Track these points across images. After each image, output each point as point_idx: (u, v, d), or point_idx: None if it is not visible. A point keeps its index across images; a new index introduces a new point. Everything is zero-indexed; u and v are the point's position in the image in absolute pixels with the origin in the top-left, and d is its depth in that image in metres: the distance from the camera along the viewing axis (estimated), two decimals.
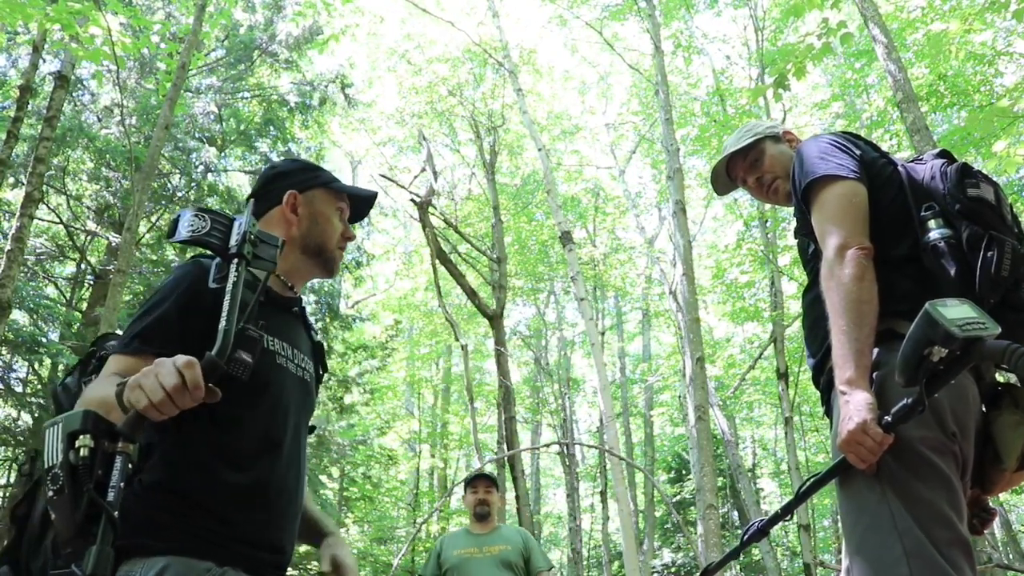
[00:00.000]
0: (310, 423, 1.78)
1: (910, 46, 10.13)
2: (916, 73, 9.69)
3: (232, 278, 1.29)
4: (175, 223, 1.38)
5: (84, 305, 10.40)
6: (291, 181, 1.75)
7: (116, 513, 1.05)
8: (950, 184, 1.71)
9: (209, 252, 1.39)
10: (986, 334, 1.36)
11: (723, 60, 14.15)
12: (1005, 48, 9.29)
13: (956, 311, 1.38)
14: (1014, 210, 1.79)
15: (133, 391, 1.14)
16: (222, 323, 1.23)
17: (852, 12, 7.89)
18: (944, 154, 1.88)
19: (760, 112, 11.58)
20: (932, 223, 1.70)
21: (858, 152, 1.83)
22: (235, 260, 1.33)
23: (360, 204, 1.86)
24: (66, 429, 1.08)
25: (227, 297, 1.26)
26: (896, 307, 1.65)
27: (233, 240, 1.35)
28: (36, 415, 8.78)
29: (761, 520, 1.84)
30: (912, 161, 1.90)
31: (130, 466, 1.10)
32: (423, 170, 12.64)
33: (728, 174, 2.24)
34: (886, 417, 1.52)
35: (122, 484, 1.07)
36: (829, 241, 1.70)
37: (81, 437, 1.07)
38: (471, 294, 11.60)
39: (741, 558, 19.06)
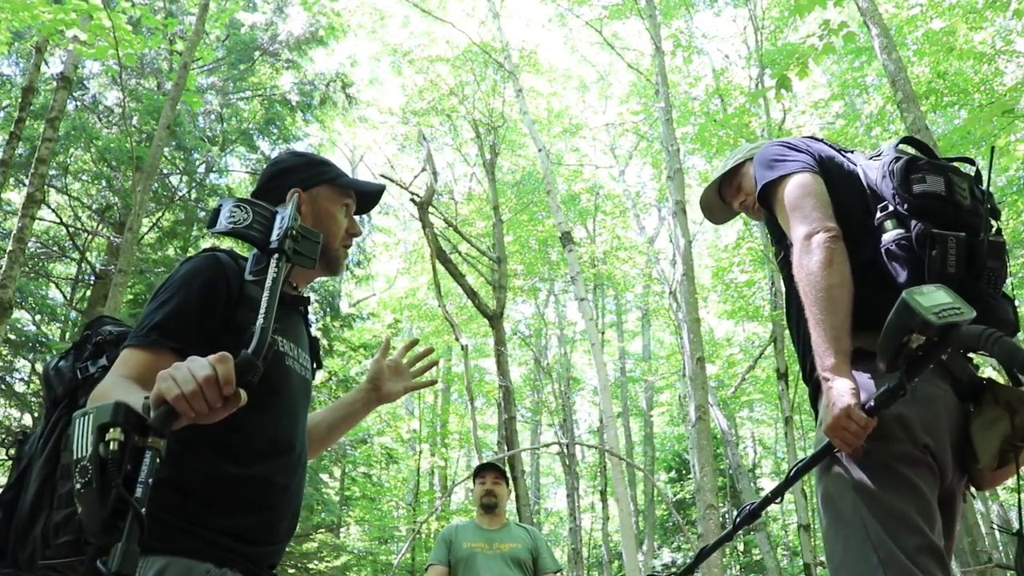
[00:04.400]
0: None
1: (910, 45, 10.13)
2: (916, 72, 9.69)
3: (272, 274, 1.25)
4: (216, 213, 1.34)
5: (85, 305, 10.42)
6: (296, 178, 1.68)
7: (144, 510, 1.03)
8: (895, 183, 1.70)
9: (224, 247, 1.36)
10: (961, 319, 1.37)
11: (722, 60, 14.18)
12: (1004, 47, 9.29)
13: (932, 298, 1.39)
14: (976, 191, 1.75)
15: (164, 381, 1.11)
16: (259, 321, 1.19)
17: (852, 10, 7.90)
18: (907, 140, 1.86)
19: (760, 112, 11.58)
20: (888, 224, 1.70)
21: (812, 149, 1.84)
22: (275, 255, 1.28)
23: (366, 198, 1.80)
24: (97, 421, 1.05)
25: (266, 294, 1.22)
26: (862, 319, 1.62)
27: (275, 235, 1.31)
28: (37, 415, 8.79)
29: (752, 504, 1.85)
30: (871, 158, 1.89)
31: (159, 461, 1.07)
32: (423, 169, 12.66)
33: (724, 199, 2.29)
34: (870, 402, 1.54)
35: (150, 480, 1.05)
36: (795, 232, 1.71)
37: (111, 430, 1.04)
38: (471, 294, 11.61)
39: (741, 558, 19.09)
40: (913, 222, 1.66)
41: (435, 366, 1.97)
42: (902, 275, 1.64)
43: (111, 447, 1.03)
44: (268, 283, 1.24)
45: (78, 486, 1.03)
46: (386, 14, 14.17)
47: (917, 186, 1.68)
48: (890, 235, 1.68)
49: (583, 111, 17.60)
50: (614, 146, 16.95)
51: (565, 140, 17.07)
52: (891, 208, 1.70)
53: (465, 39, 12.81)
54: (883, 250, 1.68)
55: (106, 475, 1.02)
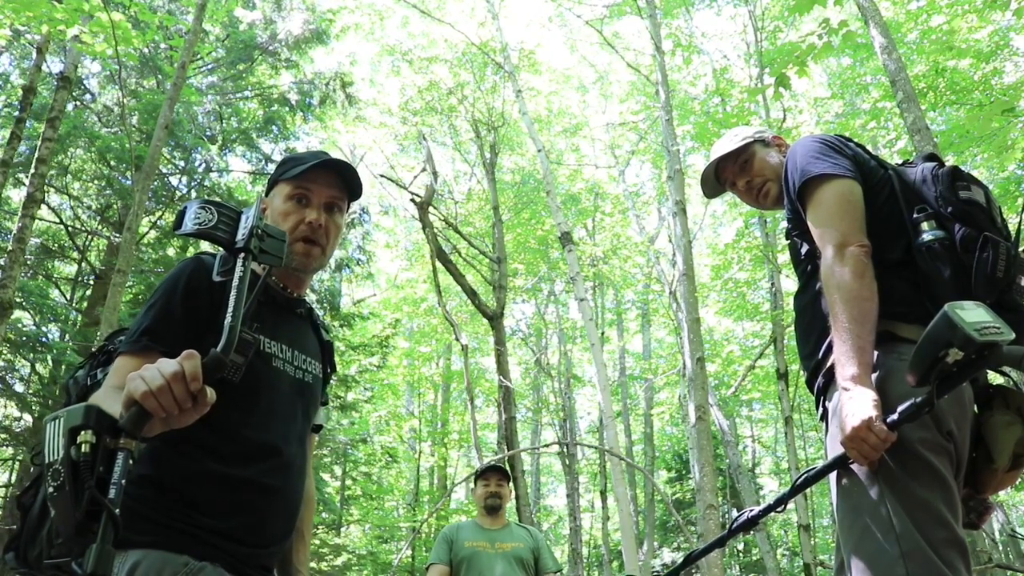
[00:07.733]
0: (317, 422, 1.76)
1: (908, 42, 10.12)
2: (916, 71, 9.68)
3: (238, 273, 1.26)
4: (181, 215, 1.35)
5: (85, 305, 10.41)
6: (267, 189, 1.74)
7: (117, 511, 1.02)
8: (942, 187, 1.73)
9: (213, 247, 1.36)
10: (1001, 339, 1.36)
11: (722, 59, 14.18)
12: (1003, 43, 9.27)
13: (974, 314, 1.38)
14: (1002, 212, 1.80)
15: (133, 382, 1.11)
16: (227, 319, 1.20)
17: (852, 8, 7.89)
18: (933, 157, 1.89)
19: (759, 110, 11.56)
20: (925, 225, 1.71)
21: (851, 152, 1.84)
22: (241, 255, 1.30)
23: (348, 178, 1.71)
24: (68, 424, 1.05)
25: (233, 292, 1.23)
26: (893, 309, 1.66)
27: (240, 234, 1.32)
28: (37, 415, 8.79)
29: (751, 510, 1.82)
30: (902, 164, 1.92)
31: (131, 463, 1.07)
32: (423, 170, 12.65)
33: (717, 177, 2.22)
34: (892, 416, 1.52)
35: (123, 481, 1.04)
36: (828, 239, 1.70)
37: (83, 433, 1.05)
38: (471, 294, 11.59)
39: (741, 558, 19.05)
40: (956, 226, 1.68)
41: None
42: (945, 271, 1.65)
43: (83, 449, 1.03)
44: (235, 282, 1.24)
45: (51, 489, 1.02)
46: (385, 15, 14.15)
47: (963, 192, 1.71)
48: (929, 235, 1.69)
49: (583, 111, 17.60)
50: (614, 146, 16.95)
51: (565, 140, 17.06)
52: (931, 210, 1.73)
53: (464, 39, 12.81)
54: (923, 247, 1.69)
55: (79, 477, 1.02)
